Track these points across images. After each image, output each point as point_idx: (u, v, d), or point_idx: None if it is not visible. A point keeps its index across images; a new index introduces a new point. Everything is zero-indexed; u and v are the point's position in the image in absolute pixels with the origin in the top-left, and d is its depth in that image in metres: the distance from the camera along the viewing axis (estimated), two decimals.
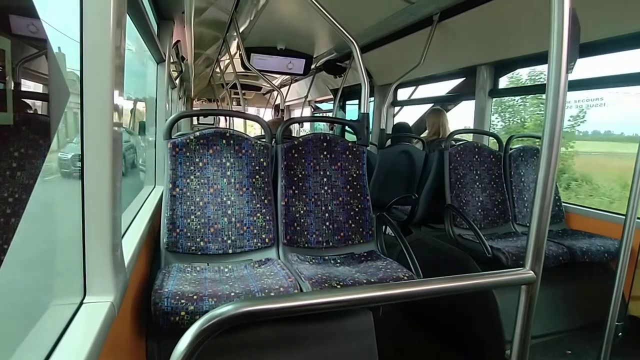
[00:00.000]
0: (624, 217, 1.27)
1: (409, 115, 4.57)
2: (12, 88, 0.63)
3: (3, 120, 0.58)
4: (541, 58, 2.53)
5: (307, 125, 8.06)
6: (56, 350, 0.70)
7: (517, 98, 3.96)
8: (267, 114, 9.40)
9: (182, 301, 1.21)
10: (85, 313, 0.82)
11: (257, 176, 1.79)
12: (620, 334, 1.30)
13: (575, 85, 2.42)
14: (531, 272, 0.84)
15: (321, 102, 7.22)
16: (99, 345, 0.75)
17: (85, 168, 0.83)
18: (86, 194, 0.84)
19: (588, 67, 2.35)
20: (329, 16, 1.94)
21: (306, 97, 6.36)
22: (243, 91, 5.08)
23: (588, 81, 2.40)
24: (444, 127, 3.36)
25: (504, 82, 3.07)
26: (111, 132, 0.83)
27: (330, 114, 6.34)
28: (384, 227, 1.98)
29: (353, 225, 1.89)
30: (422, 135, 3.69)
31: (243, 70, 4.84)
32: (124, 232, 1.37)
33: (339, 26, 1.96)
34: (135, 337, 1.21)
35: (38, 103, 0.81)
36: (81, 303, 0.85)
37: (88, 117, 0.81)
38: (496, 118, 3.76)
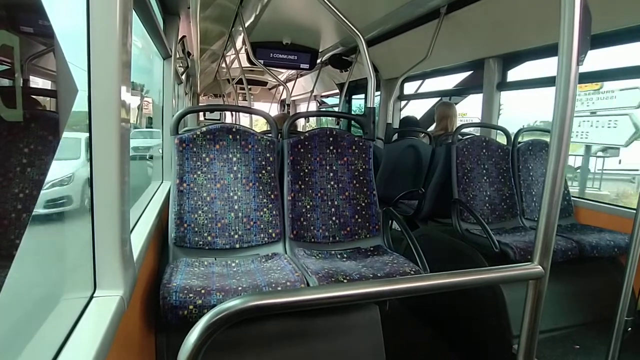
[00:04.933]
0: (634, 211, 1.25)
1: (418, 109, 4.54)
2: (21, 85, 0.63)
3: (13, 116, 0.59)
4: (551, 50, 2.49)
5: (313, 119, 8.04)
6: (68, 342, 0.72)
7: None
8: (273, 109, 9.39)
9: (190, 295, 1.22)
10: (96, 307, 0.84)
11: (264, 171, 1.79)
12: (629, 329, 1.29)
13: (586, 78, 2.38)
14: (539, 267, 0.84)
15: (327, 96, 7.20)
16: (110, 339, 0.76)
17: (93, 163, 0.84)
18: (95, 189, 0.85)
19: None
20: (335, 9, 1.92)
21: (312, 91, 6.34)
22: (249, 86, 5.08)
23: (599, 73, 2.35)
24: (452, 121, 3.32)
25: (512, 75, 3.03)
26: (119, 127, 0.83)
27: (336, 109, 6.32)
28: (390, 221, 1.98)
29: (359, 220, 1.89)
30: (429, 129, 3.67)
31: (249, 65, 4.84)
32: (133, 227, 1.39)
33: (345, 20, 1.94)
34: (144, 330, 1.23)
35: (47, 99, 0.81)
36: (91, 297, 0.87)
37: (96, 113, 0.82)
38: None
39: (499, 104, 3.07)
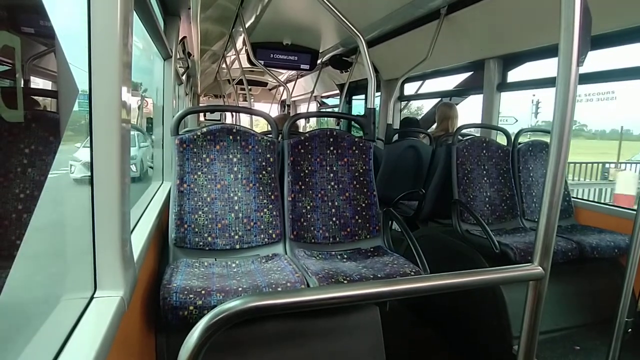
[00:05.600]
0: (634, 212, 1.25)
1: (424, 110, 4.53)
2: (22, 85, 0.64)
3: (14, 117, 0.59)
4: (551, 51, 2.49)
5: (313, 120, 8.05)
6: (68, 343, 0.72)
7: None
8: (274, 110, 9.40)
9: (191, 296, 1.22)
10: (96, 307, 0.84)
11: (264, 172, 1.79)
12: (630, 330, 1.29)
13: (586, 79, 2.38)
14: (539, 268, 0.84)
15: (327, 97, 7.20)
16: (110, 339, 0.76)
17: (94, 164, 0.84)
18: (95, 189, 0.85)
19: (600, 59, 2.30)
20: (335, 10, 1.93)
21: (312, 92, 6.34)
22: (249, 87, 5.09)
23: (600, 74, 2.35)
24: (453, 122, 3.32)
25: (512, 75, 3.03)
26: (119, 128, 0.84)
27: (336, 109, 6.33)
28: (390, 222, 1.97)
29: (360, 221, 1.89)
30: (430, 129, 3.67)
31: (249, 66, 4.85)
32: (133, 228, 1.39)
33: (345, 20, 1.95)
34: (144, 331, 1.23)
35: (47, 100, 0.81)
36: (92, 297, 0.87)
37: (96, 114, 0.82)
38: None
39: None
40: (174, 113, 2.34)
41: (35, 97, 0.74)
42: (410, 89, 4.52)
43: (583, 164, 9.20)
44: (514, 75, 3.01)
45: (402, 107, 4.62)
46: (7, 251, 0.61)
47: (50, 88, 0.81)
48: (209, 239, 1.68)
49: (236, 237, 1.71)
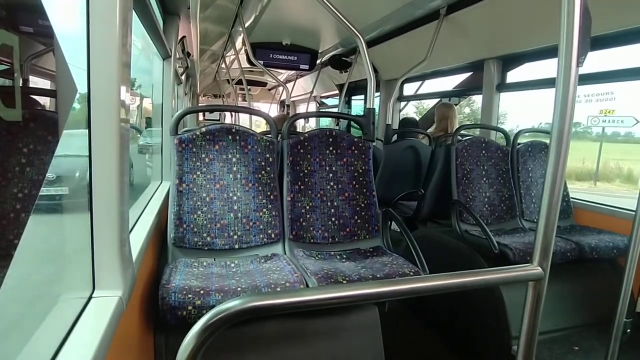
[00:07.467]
0: (633, 212, 1.25)
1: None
2: (20, 84, 0.63)
3: (12, 116, 0.58)
4: (551, 51, 2.50)
5: (312, 121, 8.05)
6: (66, 343, 0.71)
7: None
8: (273, 110, 9.40)
9: (189, 296, 1.22)
10: (95, 307, 0.83)
11: (263, 172, 1.79)
12: (628, 330, 1.29)
13: (586, 79, 2.38)
14: (539, 268, 0.84)
15: (327, 97, 7.20)
16: (108, 339, 0.76)
17: (93, 163, 0.84)
18: (94, 189, 0.85)
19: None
20: (335, 10, 1.93)
21: (311, 92, 6.34)
22: (249, 87, 5.08)
23: (599, 75, 2.35)
24: (452, 122, 3.33)
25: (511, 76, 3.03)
26: (118, 128, 0.83)
27: (335, 110, 6.33)
28: (390, 222, 1.97)
29: (359, 221, 1.89)
30: (429, 130, 3.67)
31: (248, 66, 4.85)
32: (132, 227, 1.38)
33: (345, 20, 1.95)
34: (143, 331, 1.22)
35: (46, 99, 0.81)
36: (90, 297, 0.86)
37: (95, 113, 0.82)
38: None
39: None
40: (173, 113, 2.33)
41: (34, 96, 0.74)
42: (409, 89, 4.52)
43: None
44: (513, 76, 3.01)
45: (401, 107, 4.62)
46: (5, 251, 0.61)
47: (49, 87, 0.80)
48: (208, 238, 1.67)
49: (235, 237, 1.71)
